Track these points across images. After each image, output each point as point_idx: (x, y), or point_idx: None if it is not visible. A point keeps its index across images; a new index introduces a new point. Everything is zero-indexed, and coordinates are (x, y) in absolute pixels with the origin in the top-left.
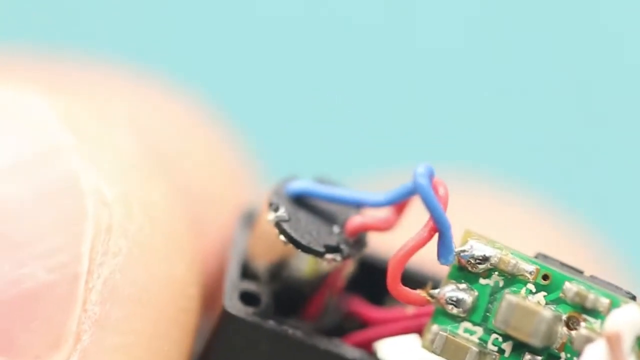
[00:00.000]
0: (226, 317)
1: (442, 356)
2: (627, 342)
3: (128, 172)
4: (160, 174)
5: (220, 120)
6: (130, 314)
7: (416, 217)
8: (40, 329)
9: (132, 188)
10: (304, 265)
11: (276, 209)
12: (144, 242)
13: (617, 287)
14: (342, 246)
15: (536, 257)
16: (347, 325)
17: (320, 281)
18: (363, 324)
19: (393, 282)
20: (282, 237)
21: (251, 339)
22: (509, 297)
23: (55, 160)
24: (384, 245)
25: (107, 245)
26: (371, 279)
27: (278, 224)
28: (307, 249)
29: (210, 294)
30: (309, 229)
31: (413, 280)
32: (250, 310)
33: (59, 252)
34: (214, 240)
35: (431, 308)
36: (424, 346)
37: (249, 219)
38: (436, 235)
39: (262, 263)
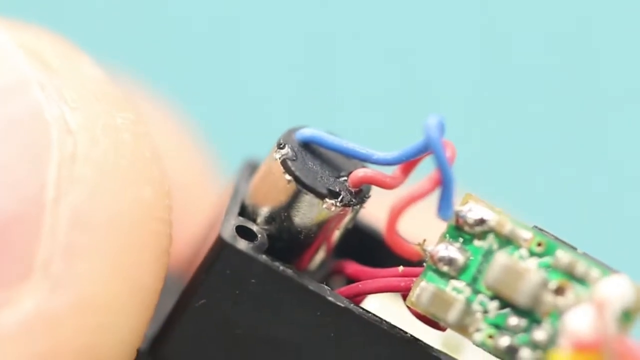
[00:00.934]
0: (220, 245)
1: (428, 310)
2: (614, 311)
3: (92, 100)
4: (124, 102)
5: (187, 117)
6: (100, 240)
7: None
8: (9, 259)
9: (95, 115)
10: (303, 208)
11: (283, 148)
12: (109, 168)
13: (607, 266)
14: (344, 193)
15: (532, 228)
16: (332, 285)
17: (316, 229)
18: (349, 282)
19: (390, 230)
20: (286, 176)
21: (243, 271)
22: (502, 257)
23: (19, 92)
24: (376, 221)
25: (73, 173)
26: (361, 250)
27: (284, 162)
28: (309, 188)
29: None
30: (314, 171)
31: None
32: (245, 243)
33: (25, 182)
34: (186, 227)
35: (419, 270)
36: (409, 302)
37: (252, 168)
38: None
39: (261, 206)
